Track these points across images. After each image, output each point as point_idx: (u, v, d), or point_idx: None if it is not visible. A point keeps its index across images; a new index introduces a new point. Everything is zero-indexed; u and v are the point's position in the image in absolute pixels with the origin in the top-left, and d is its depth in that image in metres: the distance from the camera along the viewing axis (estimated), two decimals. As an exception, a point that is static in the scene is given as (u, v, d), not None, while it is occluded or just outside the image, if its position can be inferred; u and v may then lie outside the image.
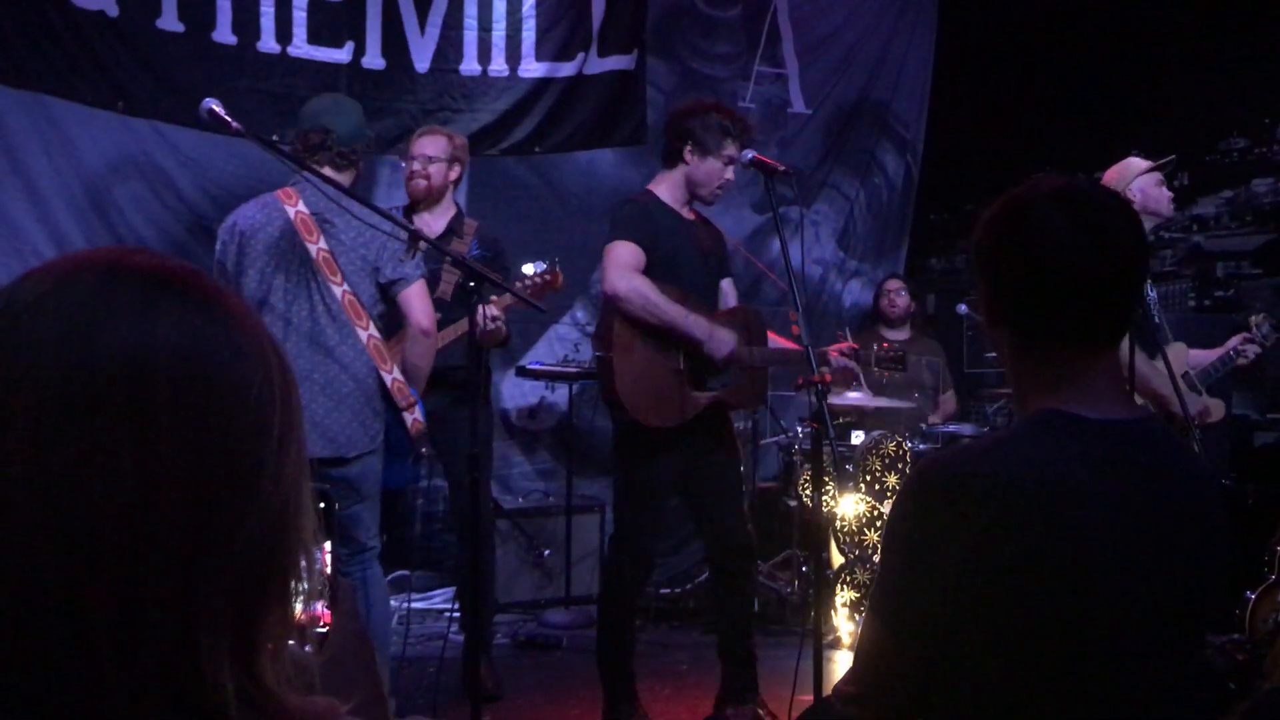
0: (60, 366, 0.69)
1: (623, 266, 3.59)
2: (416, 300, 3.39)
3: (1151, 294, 3.99)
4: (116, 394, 0.69)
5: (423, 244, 4.03)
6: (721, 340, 3.65)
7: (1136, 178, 4.02)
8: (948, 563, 1.38)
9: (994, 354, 5.61)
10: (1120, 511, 1.39)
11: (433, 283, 4.12)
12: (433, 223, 4.20)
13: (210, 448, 0.71)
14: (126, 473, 0.68)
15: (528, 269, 3.83)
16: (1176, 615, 1.43)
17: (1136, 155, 4.14)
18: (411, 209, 4.26)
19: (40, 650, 0.67)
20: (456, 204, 4.38)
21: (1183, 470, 1.50)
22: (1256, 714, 1.42)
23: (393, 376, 3.36)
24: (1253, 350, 4.16)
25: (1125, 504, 1.40)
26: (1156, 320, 3.70)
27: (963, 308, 5.92)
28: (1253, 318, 4.26)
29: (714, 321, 3.73)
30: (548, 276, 3.81)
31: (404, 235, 3.41)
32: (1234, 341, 4.20)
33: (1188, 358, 3.96)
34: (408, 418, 3.38)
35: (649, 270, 3.66)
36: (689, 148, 3.73)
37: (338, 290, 3.30)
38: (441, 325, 3.95)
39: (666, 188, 3.80)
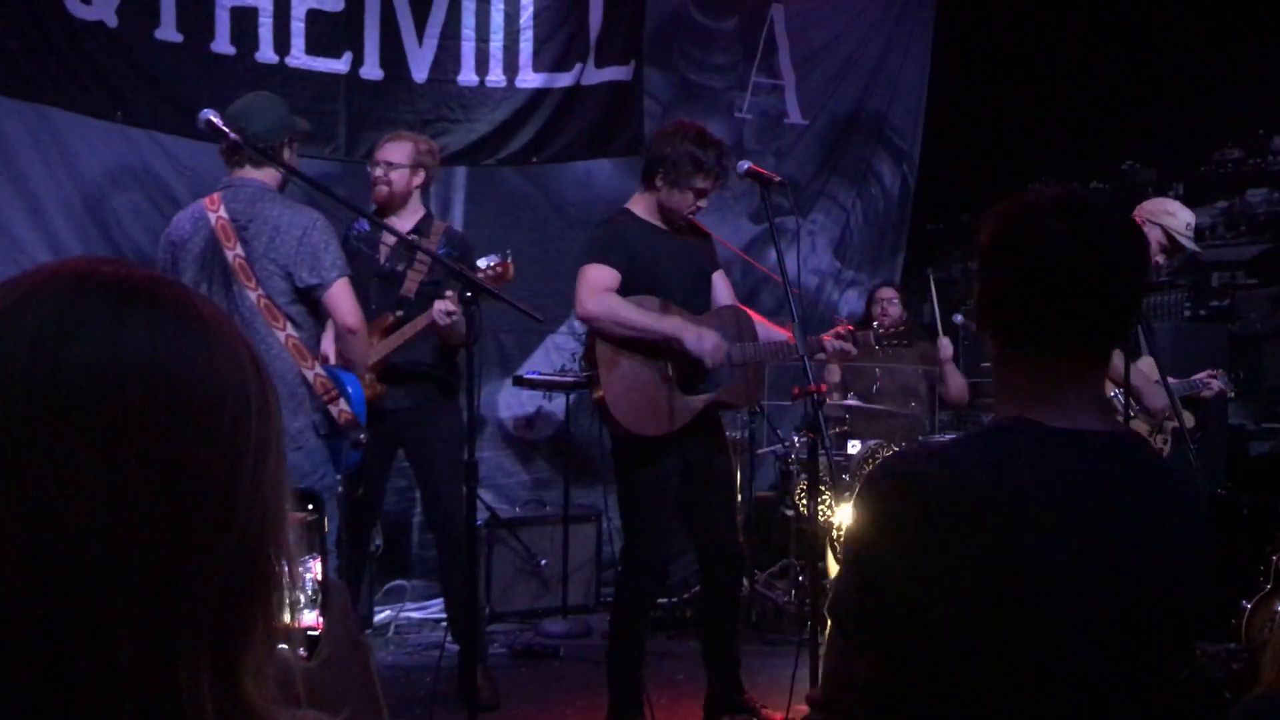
0: (28, 379, 0.67)
1: (592, 288, 3.67)
2: (338, 301, 3.41)
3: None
4: (84, 407, 0.67)
5: (390, 239, 4.13)
6: (702, 336, 3.66)
7: (1164, 217, 4.30)
8: (896, 566, 1.36)
9: (989, 363, 5.65)
10: (1074, 522, 1.35)
11: (398, 281, 4.18)
12: (399, 225, 4.20)
13: (183, 460, 0.69)
14: (95, 486, 0.67)
15: (481, 263, 3.86)
16: (1139, 630, 1.38)
17: (1180, 204, 4.44)
18: (380, 214, 4.28)
19: (11, 669, 0.66)
20: (426, 207, 4.41)
21: (1155, 486, 1.44)
22: (1246, 717, 1.42)
23: (314, 372, 3.39)
24: (1216, 385, 4.48)
25: (1080, 515, 1.35)
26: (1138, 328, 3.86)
27: (959, 317, 5.94)
28: (1219, 370, 4.64)
29: (698, 321, 3.76)
30: (499, 269, 3.84)
31: (320, 235, 3.39)
32: (1202, 375, 4.50)
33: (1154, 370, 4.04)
34: (333, 410, 3.40)
35: (629, 287, 3.71)
36: (660, 175, 3.75)
37: (252, 295, 3.34)
38: (405, 322, 4.05)
39: (644, 206, 3.85)
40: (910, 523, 1.35)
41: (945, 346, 5.85)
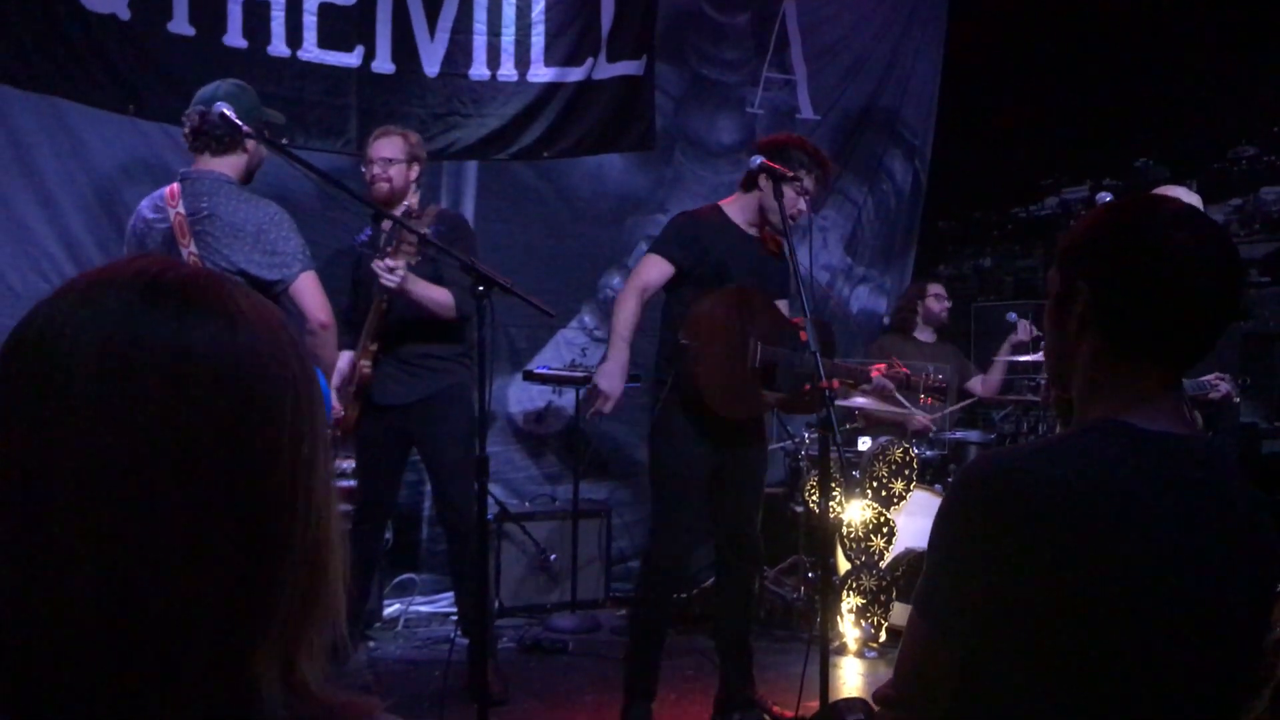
0: (100, 384, 0.68)
1: (640, 278, 3.86)
2: (305, 295, 3.35)
3: None
4: (155, 406, 0.69)
5: (387, 223, 4.12)
6: (605, 373, 3.78)
7: None
8: (989, 559, 1.39)
9: (1005, 359, 5.59)
10: (1165, 523, 1.39)
11: None
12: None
13: (248, 460, 0.71)
14: (169, 487, 0.68)
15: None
16: (1211, 632, 1.41)
17: (1187, 189, 4.46)
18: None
19: (91, 665, 0.67)
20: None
21: (1230, 491, 1.48)
22: None
23: None
24: (1224, 388, 4.55)
25: (1171, 517, 1.40)
26: None
27: (1013, 316, 5.88)
28: (1226, 374, 4.66)
29: (776, 330, 3.87)
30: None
31: (278, 229, 3.34)
32: (1210, 376, 4.54)
33: None
34: None
35: (697, 279, 3.81)
36: (765, 174, 3.80)
37: None
38: (391, 309, 4.07)
39: (738, 207, 3.97)
40: (1004, 520, 1.38)
41: (1025, 328, 5.79)
